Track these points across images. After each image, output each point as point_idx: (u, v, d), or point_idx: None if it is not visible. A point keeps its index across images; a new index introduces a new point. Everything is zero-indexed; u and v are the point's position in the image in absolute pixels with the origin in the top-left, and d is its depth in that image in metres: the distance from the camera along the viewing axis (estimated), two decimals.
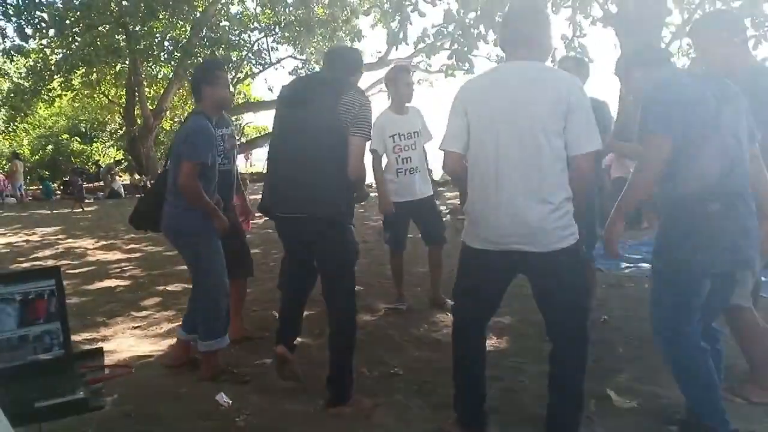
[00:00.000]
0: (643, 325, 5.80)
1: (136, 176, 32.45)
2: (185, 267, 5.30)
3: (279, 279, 5.08)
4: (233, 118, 25.68)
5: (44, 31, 26.06)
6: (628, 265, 8.90)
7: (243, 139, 38.06)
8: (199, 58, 26.00)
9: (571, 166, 3.38)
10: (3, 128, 36.36)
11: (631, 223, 12.64)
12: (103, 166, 38.10)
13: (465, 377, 3.75)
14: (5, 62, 31.05)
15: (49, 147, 43.91)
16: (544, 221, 3.29)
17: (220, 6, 29.07)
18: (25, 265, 10.78)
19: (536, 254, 3.33)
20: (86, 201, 25.37)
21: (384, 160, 6.59)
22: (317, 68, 36.07)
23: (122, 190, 29.53)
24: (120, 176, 33.38)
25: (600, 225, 4.97)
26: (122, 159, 41.97)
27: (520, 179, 3.32)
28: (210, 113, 4.80)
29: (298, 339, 4.58)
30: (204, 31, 28.54)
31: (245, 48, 31.59)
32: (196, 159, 4.51)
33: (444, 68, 18.46)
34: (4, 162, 39.69)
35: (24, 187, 30.67)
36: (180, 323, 5.24)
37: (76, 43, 27.37)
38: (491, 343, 5.44)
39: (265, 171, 4.56)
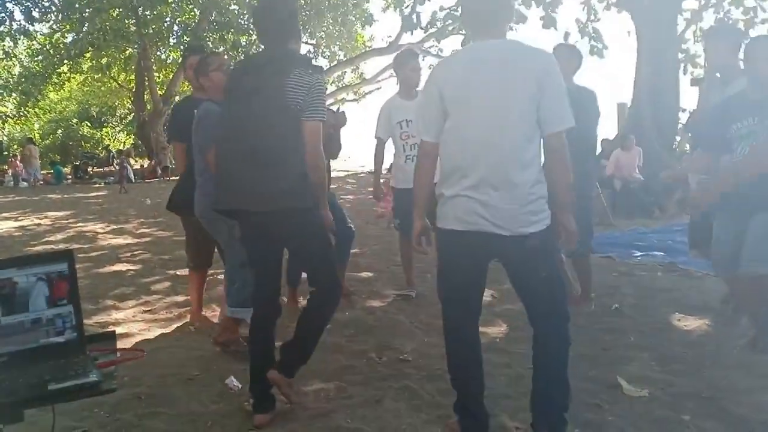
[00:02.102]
0: (655, 313, 5.84)
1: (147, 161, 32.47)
2: None
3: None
4: None
5: (52, 14, 26.11)
6: (640, 253, 8.84)
7: None
8: (208, 43, 25.99)
9: (546, 146, 3.36)
10: (15, 113, 36.46)
11: (644, 212, 12.62)
12: (113, 151, 38.25)
13: (461, 375, 3.67)
14: (16, 46, 31.16)
15: (60, 132, 44.04)
16: (514, 204, 3.25)
17: None
18: (37, 248, 10.83)
19: (506, 238, 3.28)
20: (128, 185, 25.28)
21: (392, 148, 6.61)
22: (327, 53, 36.14)
23: (132, 174, 29.51)
24: (136, 160, 33.29)
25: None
26: (132, 144, 42.04)
27: (488, 162, 3.27)
28: (214, 97, 4.82)
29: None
30: (213, 15, 28.53)
31: (254, 32, 31.49)
32: (209, 145, 4.54)
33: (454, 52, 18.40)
34: (15, 147, 39.84)
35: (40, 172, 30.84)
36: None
37: (86, 27, 27.40)
38: (500, 329, 5.45)
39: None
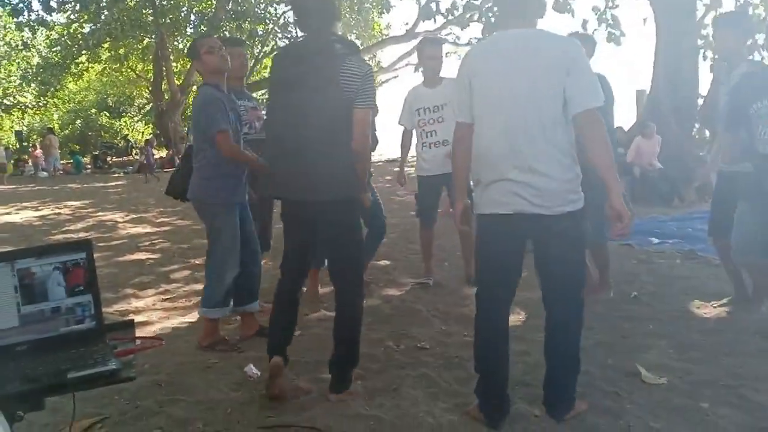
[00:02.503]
0: (674, 301, 5.81)
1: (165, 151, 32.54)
2: None
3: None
4: (260, 92, 25.79)
5: (69, 4, 26.17)
6: (659, 241, 8.82)
7: None
8: (225, 32, 25.98)
9: (581, 125, 3.36)
10: (34, 103, 36.66)
11: (663, 200, 12.55)
12: (132, 140, 38.37)
13: (489, 361, 3.70)
14: (34, 37, 31.29)
15: (79, 122, 44.22)
16: (553, 183, 3.34)
17: None
18: (57, 237, 10.91)
19: (545, 217, 3.37)
20: (155, 174, 25.37)
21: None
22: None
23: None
24: (158, 149, 33.30)
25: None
26: (151, 133, 42.13)
27: (523, 145, 3.35)
28: (212, 81, 4.82)
29: None
30: (230, 4, 28.48)
31: (271, 21, 31.43)
32: (217, 128, 4.57)
33: (472, 41, 18.29)
34: (35, 137, 40.07)
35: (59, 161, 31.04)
36: None
37: (103, 17, 27.47)
38: (519, 318, 5.44)
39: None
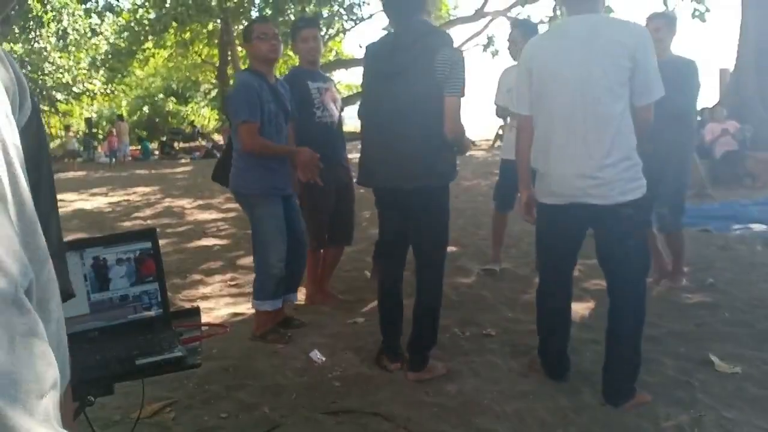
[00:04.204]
0: (752, 288, 5.66)
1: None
2: None
3: (375, 249, 5.09)
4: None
5: None
6: (739, 226, 8.48)
7: None
8: (290, 15, 26.03)
9: (636, 117, 3.42)
10: (103, 90, 37.33)
11: (744, 183, 12.16)
12: (198, 126, 38.83)
13: (548, 331, 3.92)
14: (102, 24, 31.84)
15: (146, 108, 44.87)
16: (606, 174, 3.34)
17: None
18: (126, 224, 11.10)
19: (601, 207, 3.39)
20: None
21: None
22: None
23: (215, 149, 29.87)
24: (226, 131, 33.68)
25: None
26: (217, 119, 42.59)
27: (582, 134, 3.38)
28: (257, 68, 4.77)
29: None
30: None
31: (336, 3, 31.36)
32: (241, 119, 4.52)
33: (546, 19, 17.96)
34: (104, 123, 40.84)
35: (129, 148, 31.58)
36: None
37: (168, 3, 27.77)
38: (588, 305, 5.36)
39: (358, 130, 4.46)
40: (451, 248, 7.75)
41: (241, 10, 29.49)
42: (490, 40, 24.39)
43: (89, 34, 34.10)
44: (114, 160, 28.79)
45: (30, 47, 33.28)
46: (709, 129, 13.06)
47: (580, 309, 5.28)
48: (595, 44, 3.34)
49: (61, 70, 35.04)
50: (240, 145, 4.63)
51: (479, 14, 29.24)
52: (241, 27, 32.93)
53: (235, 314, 5.55)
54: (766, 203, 10.22)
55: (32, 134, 1.10)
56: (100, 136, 36.03)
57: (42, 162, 1.37)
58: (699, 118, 11.00)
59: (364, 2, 32.07)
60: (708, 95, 16.22)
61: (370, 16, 32.16)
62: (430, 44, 3.75)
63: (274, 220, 4.71)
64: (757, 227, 8.36)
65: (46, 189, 1.42)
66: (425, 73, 3.69)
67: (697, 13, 17.19)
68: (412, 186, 3.82)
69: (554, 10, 14.35)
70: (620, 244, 3.49)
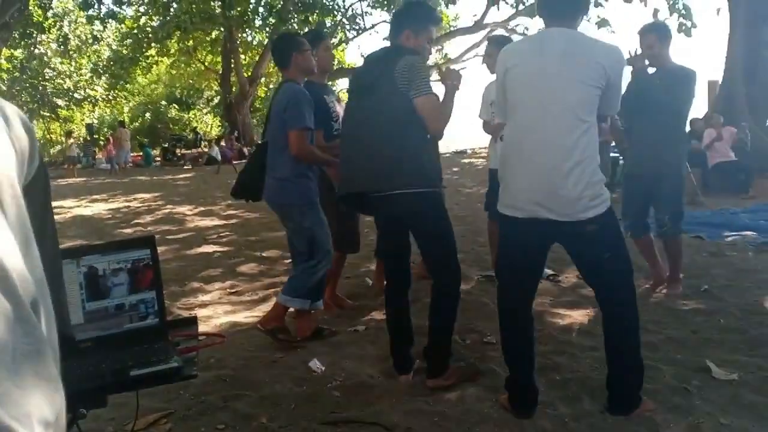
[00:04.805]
0: (746, 294, 5.67)
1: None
2: (282, 233, 5.35)
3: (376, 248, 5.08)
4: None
5: None
6: (730, 233, 8.57)
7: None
8: (293, 24, 26.10)
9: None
10: (104, 96, 37.44)
11: (737, 191, 12.28)
12: (201, 133, 38.86)
13: (514, 357, 3.76)
14: (105, 30, 31.94)
15: (148, 114, 44.99)
16: (570, 191, 3.28)
17: None
18: (126, 231, 11.09)
19: (565, 223, 3.34)
20: (217, 167, 25.66)
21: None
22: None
23: (219, 156, 29.84)
24: (231, 140, 33.55)
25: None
26: (222, 129, 42.64)
27: (544, 148, 3.34)
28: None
29: None
30: None
31: (339, 13, 31.46)
32: (302, 126, 4.57)
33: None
34: (106, 129, 40.92)
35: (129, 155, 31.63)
36: (279, 288, 5.29)
37: (172, 11, 27.85)
38: (587, 312, 5.35)
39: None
40: None
41: (245, 18, 29.59)
42: None
43: (91, 41, 34.21)
44: (113, 166, 28.76)
45: (30, 52, 33.41)
46: (707, 134, 13.08)
47: (578, 316, 5.31)
48: (565, 60, 3.33)
49: (62, 76, 35.15)
50: (293, 151, 4.63)
51: (479, 26, 29.39)
52: (244, 35, 33.11)
53: (234, 323, 5.50)
54: (756, 211, 10.37)
55: (41, 189, 1.09)
56: (102, 142, 36.07)
57: (47, 215, 1.36)
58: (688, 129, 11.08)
59: (366, 13, 32.12)
60: (697, 106, 16.36)
61: (373, 26, 32.22)
62: (392, 57, 3.89)
63: (325, 227, 4.84)
64: (748, 234, 8.46)
65: (51, 241, 1.40)
66: (388, 87, 3.80)
67: (683, 28, 17.29)
68: (389, 190, 3.82)
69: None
70: (597, 260, 3.47)
